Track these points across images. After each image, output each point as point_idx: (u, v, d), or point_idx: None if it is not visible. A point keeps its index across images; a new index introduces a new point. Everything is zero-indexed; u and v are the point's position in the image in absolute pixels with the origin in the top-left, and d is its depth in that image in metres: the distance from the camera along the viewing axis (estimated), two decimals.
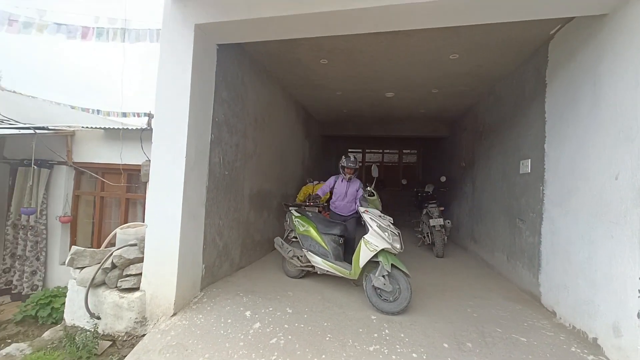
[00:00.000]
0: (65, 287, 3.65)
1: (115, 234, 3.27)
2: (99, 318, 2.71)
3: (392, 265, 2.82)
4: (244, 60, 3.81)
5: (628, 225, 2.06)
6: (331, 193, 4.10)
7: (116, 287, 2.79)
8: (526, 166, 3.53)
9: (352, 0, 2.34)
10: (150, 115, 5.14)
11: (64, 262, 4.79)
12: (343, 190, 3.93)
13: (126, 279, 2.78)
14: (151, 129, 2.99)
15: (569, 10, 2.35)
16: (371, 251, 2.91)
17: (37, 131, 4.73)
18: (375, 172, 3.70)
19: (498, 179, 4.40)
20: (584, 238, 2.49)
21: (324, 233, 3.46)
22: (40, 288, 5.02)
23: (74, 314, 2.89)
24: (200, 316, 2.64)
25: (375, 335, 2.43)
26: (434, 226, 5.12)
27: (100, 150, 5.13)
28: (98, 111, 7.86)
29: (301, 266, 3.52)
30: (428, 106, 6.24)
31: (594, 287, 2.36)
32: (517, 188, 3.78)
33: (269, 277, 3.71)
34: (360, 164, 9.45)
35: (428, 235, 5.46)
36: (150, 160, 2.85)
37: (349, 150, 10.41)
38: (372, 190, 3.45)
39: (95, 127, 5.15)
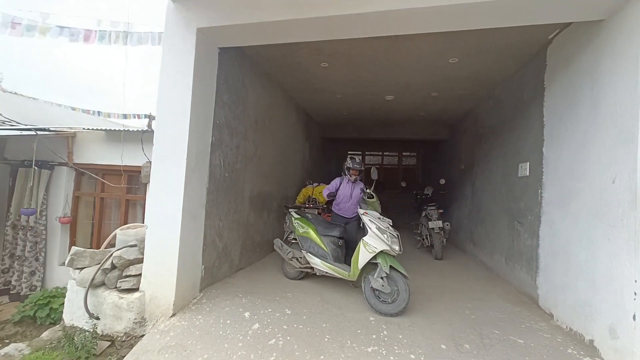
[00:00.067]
0: (64, 288, 3.66)
1: (115, 234, 3.28)
2: (98, 318, 2.71)
3: (390, 267, 2.84)
4: (245, 63, 3.84)
5: (625, 228, 2.08)
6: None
7: (115, 287, 2.80)
8: (524, 169, 3.55)
9: (352, 5, 2.38)
10: (150, 117, 5.16)
11: (63, 263, 4.81)
12: (348, 192, 3.88)
13: (126, 279, 2.79)
14: (152, 131, 3.02)
15: (566, 16, 2.38)
16: (370, 253, 2.92)
17: (39, 132, 4.76)
18: (374, 175, 3.72)
19: (497, 182, 4.42)
20: (583, 240, 2.51)
21: (324, 235, 3.47)
22: (38, 288, 5.01)
23: (73, 314, 2.90)
24: (200, 317, 2.65)
25: (374, 336, 2.44)
26: (432, 228, 5.13)
27: (101, 151, 5.15)
28: (99, 113, 7.89)
29: (300, 267, 3.53)
30: (428, 109, 6.28)
31: (592, 289, 2.38)
32: (515, 191, 3.80)
33: (269, 278, 3.71)
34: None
35: (427, 238, 5.47)
36: (150, 162, 2.87)
37: (349, 152, 10.44)
38: (372, 193, 3.47)
39: (97, 129, 5.17)
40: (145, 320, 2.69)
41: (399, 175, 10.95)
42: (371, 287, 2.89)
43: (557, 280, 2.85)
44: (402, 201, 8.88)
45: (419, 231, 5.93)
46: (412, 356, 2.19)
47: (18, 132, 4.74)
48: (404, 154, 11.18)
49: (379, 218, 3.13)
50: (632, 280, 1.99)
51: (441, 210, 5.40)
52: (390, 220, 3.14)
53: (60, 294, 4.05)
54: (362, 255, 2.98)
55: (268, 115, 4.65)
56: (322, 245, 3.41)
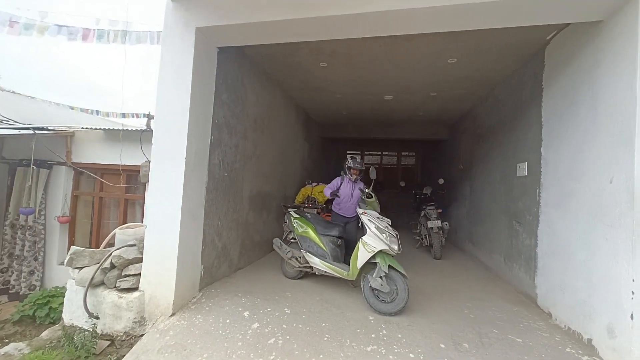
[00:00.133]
0: (63, 287, 3.65)
1: (115, 234, 3.28)
2: (97, 318, 2.71)
3: (389, 266, 2.85)
4: (245, 62, 3.84)
5: (623, 228, 2.09)
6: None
7: (115, 287, 2.79)
8: (523, 169, 3.57)
9: (352, 5, 2.38)
10: (149, 116, 5.15)
11: (62, 262, 4.80)
12: (349, 192, 3.87)
13: (125, 279, 2.79)
14: (151, 130, 3.01)
15: (566, 16, 2.39)
16: (369, 252, 2.93)
17: (37, 132, 4.74)
18: (373, 174, 3.72)
19: (496, 182, 4.44)
20: (582, 240, 2.52)
21: (323, 234, 3.48)
22: (38, 288, 5.01)
23: (73, 313, 2.89)
24: (199, 316, 2.65)
25: (373, 335, 2.45)
26: (431, 228, 5.14)
27: (100, 151, 5.14)
28: (97, 112, 7.86)
29: (300, 267, 3.53)
30: (427, 109, 6.29)
31: (590, 289, 2.39)
32: (514, 191, 3.81)
33: (268, 277, 3.72)
34: None
35: (426, 237, 5.48)
36: (149, 161, 2.87)
37: (348, 152, 10.45)
38: (370, 192, 3.48)
39: (95, 128, 5.17)
40: (144, 320, 2.69)
41: (398, 175, 10.97)
42: (370, 286, 2.90)
43: (555, 280, 2.86)
44: (401, 201, 8.89)
45: (417, 231, 5.94)
46: (411, 355, 2.20)
47: (16, 131, 4.73)
48: (403, 153, 11.19)
49: (378, 218, 3.14)
50: (629, 279, 2.00)
51: (440, 210, 5.40)
52: (389, 220, 3.15)
53: (59, 293, 4.05)
54: (361, 254, 2.98)
55: (267, 114, 4.65)
56: (321, 245, 3.42)
